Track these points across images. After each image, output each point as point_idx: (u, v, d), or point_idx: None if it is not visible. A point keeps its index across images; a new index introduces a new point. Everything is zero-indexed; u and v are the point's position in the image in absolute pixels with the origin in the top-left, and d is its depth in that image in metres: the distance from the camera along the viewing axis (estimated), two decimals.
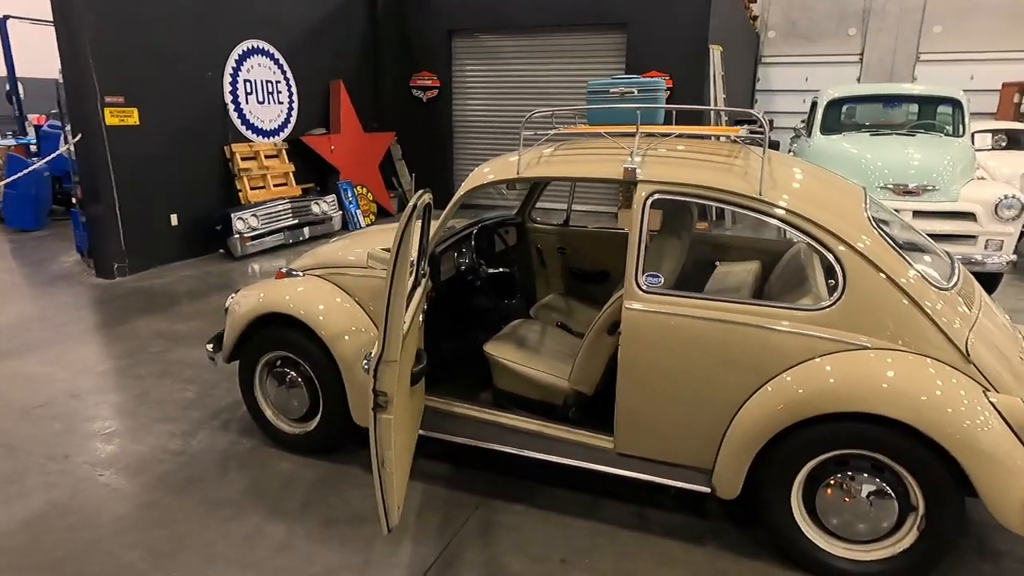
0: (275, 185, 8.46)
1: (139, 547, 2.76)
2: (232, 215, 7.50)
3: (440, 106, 10.76)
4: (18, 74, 10.41)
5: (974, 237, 5.63)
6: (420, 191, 2.48)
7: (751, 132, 3.02)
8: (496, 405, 3.15)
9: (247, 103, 8.26)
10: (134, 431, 3.70)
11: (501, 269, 3.43)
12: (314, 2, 9.22)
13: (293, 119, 9.00)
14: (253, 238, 7.70)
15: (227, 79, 7.94)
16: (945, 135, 6.71)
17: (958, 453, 2.25)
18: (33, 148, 10.31)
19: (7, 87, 10.58)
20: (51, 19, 6.32)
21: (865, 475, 2.44)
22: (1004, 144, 9.17)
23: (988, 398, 2.30)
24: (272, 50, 8.57)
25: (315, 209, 8.62)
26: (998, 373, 2.35)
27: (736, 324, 2.51)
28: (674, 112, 3.49)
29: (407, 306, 2.39)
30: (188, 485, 3.19)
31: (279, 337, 3.32)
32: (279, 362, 3.39)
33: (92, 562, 2.68)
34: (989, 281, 5.75)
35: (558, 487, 3.13)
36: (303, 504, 3.04)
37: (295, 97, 9.00)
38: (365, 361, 2.93)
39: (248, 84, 8.24)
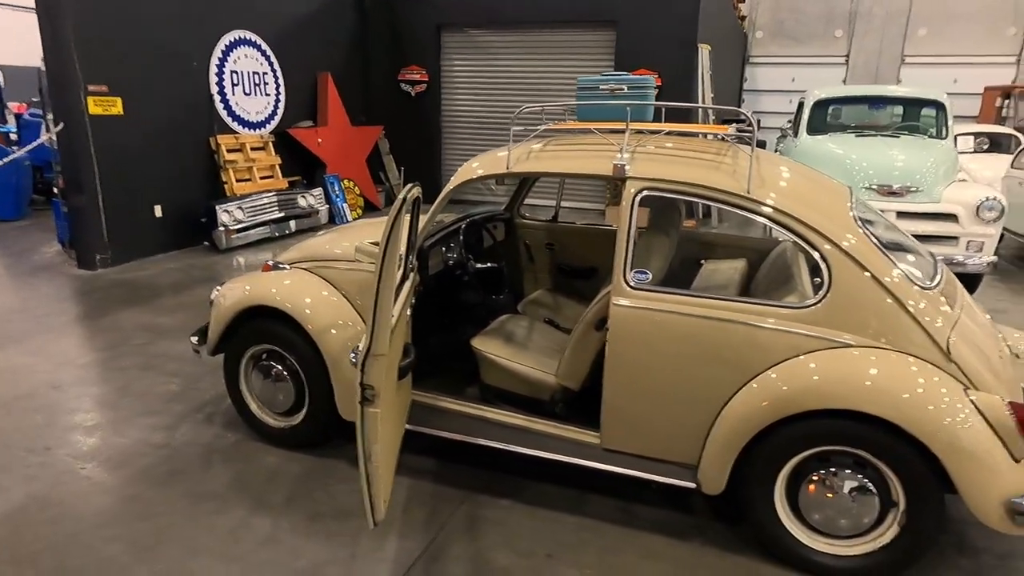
0: (261, 178, 8.38)
1: (121, 540, 2.74)
2: (217, 207, 7.43)
3: (428, 101, 10.73)
4: None
5: (956, 238, 5.70)
6: (409, 185, 2.47)
7: (739, 131, 3.04)
8: (483, 400, 3.16)
9: (233, 94, 8.18)
10: (116, 424, 3.67)
11: (489, 264, 3.43)
12: None
13: (280, 111, 8.93)
14: (238, 231, 7.63)
15: (213, 70, 7.86)
16: (929, 137, 6.79)
17: (939, 450, 2.28)
18: (13, 137, 10.16)
19: None
20: (33, 6, 6.21)
21: (847, 471, 2.47)
22: (986, 147, 9.32)
23: (969, 396, 2.33)
24: (259, 41, 8.49)
25: (302, 202, 8.56)
26: (979, 371, 2.38)
27: (722, 321, 2.53)
28: (663, 110, 3.50)
29: (395, 300, 2.39)
30: (171, 478, 3.17)
31: (265, 330, 3.30)
32: (265, 355, 3.37)
33: (73, 555, 2.65)
34: (970, 281, 5.83)
35: (544, 482, 3.14)
36: (288, 498, 3.03)
37: (282, 89, 8.92)
38: (353, 354, 2.92)
39: (235, 75, 8.16)
